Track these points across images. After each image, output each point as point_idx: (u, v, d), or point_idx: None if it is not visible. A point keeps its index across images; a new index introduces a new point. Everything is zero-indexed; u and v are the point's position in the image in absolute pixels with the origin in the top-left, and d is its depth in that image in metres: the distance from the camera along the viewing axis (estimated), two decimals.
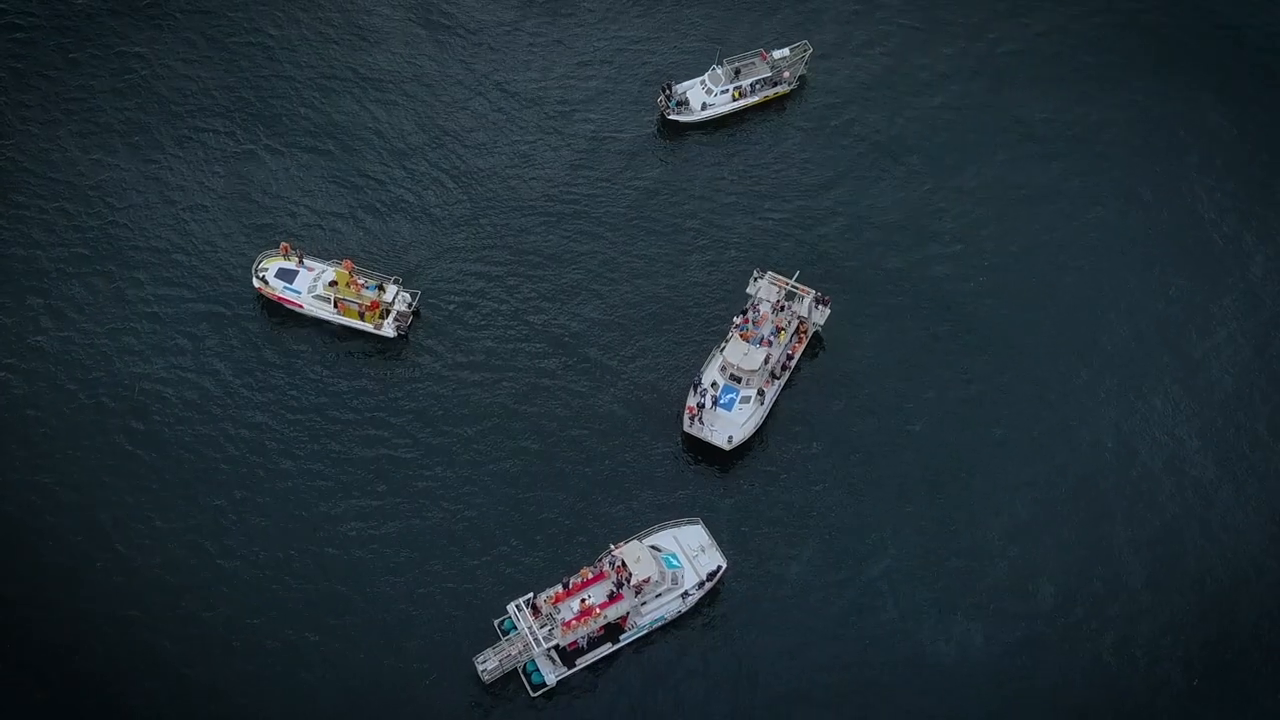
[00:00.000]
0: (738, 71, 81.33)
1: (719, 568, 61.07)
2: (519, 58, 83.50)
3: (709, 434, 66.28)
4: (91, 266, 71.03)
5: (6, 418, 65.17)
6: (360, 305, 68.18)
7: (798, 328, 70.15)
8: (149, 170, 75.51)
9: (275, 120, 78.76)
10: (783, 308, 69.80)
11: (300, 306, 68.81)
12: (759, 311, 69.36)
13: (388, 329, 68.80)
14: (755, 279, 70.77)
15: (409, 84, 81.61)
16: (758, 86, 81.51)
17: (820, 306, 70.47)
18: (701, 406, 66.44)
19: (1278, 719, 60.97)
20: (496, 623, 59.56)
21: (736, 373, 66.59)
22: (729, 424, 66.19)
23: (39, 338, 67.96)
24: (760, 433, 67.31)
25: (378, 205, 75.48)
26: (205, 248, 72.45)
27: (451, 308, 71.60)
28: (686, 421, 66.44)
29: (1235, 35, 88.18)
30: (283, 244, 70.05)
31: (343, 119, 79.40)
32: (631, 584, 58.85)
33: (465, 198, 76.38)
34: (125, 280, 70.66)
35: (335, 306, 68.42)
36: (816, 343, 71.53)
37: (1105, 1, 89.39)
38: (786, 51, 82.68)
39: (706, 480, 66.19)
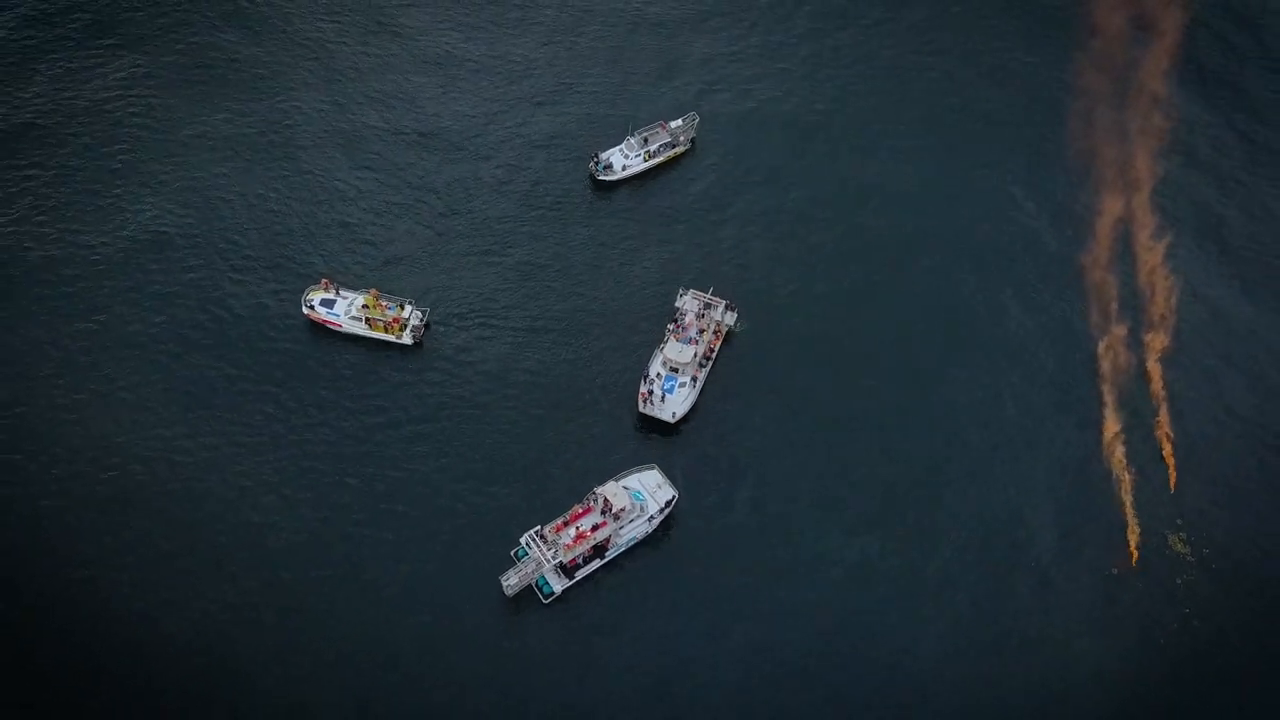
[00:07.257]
0: (646, 139, 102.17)
1: (673, 497, 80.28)
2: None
3: (658, 412, 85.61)
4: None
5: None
6: (385, 321, 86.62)
7: (715, 328, 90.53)
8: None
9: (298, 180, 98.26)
10: (702, 315, 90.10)
11: (340, 326, 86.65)
12: (685, 319, 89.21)
13: (407, 338, 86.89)
14: (681, 294, 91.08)
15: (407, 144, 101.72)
16: (662, 149, 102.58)
17: (729, 311, 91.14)
18: (651, 393, 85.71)
19: None
20: (512, 552, 76.76)
21: (675, 365, 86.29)
22: (672, 404, 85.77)
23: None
24: (695, 407, 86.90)
25: (390, 246, 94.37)
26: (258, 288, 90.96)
27: (456, 320, 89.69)
28: (640, 404, 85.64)
29: None
30: (323, 279, 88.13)
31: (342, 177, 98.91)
32: (613, 513, 77.97)
33: (459, 236, 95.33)
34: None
35: (367, 324, 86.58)
36: (730, 338, 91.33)
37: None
38: (680, 121, 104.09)
39: (658, 442, 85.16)
